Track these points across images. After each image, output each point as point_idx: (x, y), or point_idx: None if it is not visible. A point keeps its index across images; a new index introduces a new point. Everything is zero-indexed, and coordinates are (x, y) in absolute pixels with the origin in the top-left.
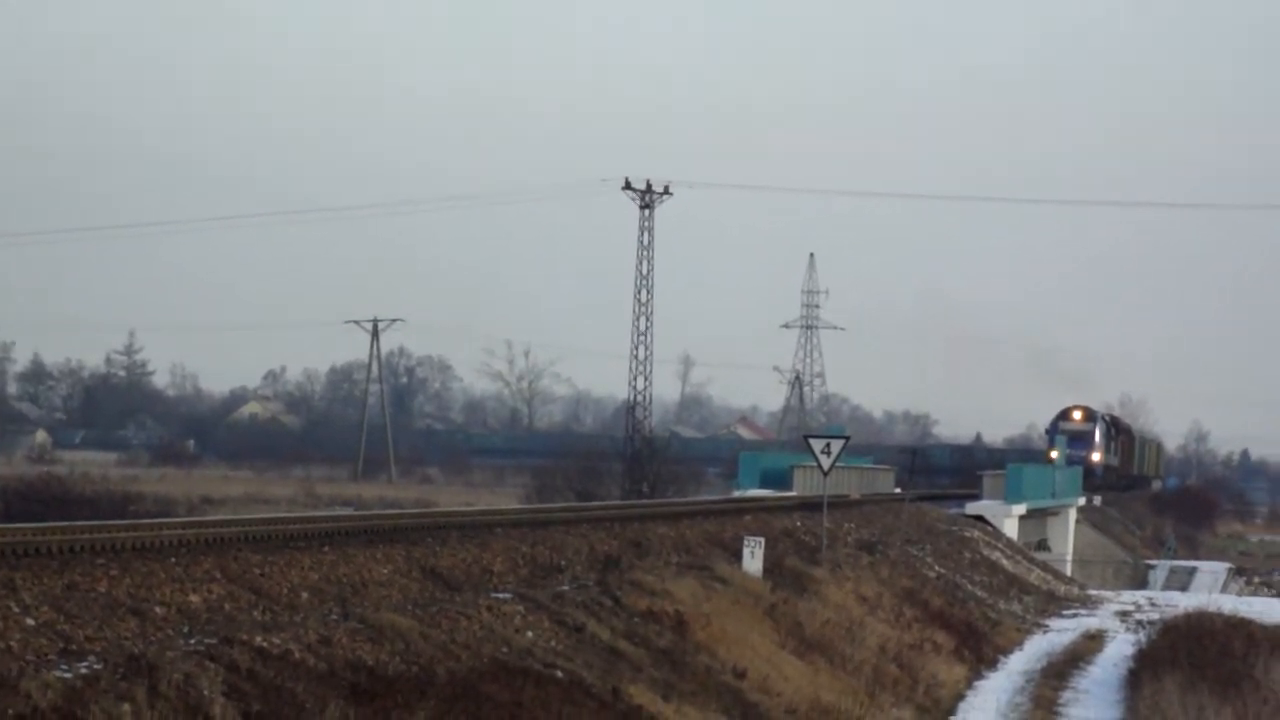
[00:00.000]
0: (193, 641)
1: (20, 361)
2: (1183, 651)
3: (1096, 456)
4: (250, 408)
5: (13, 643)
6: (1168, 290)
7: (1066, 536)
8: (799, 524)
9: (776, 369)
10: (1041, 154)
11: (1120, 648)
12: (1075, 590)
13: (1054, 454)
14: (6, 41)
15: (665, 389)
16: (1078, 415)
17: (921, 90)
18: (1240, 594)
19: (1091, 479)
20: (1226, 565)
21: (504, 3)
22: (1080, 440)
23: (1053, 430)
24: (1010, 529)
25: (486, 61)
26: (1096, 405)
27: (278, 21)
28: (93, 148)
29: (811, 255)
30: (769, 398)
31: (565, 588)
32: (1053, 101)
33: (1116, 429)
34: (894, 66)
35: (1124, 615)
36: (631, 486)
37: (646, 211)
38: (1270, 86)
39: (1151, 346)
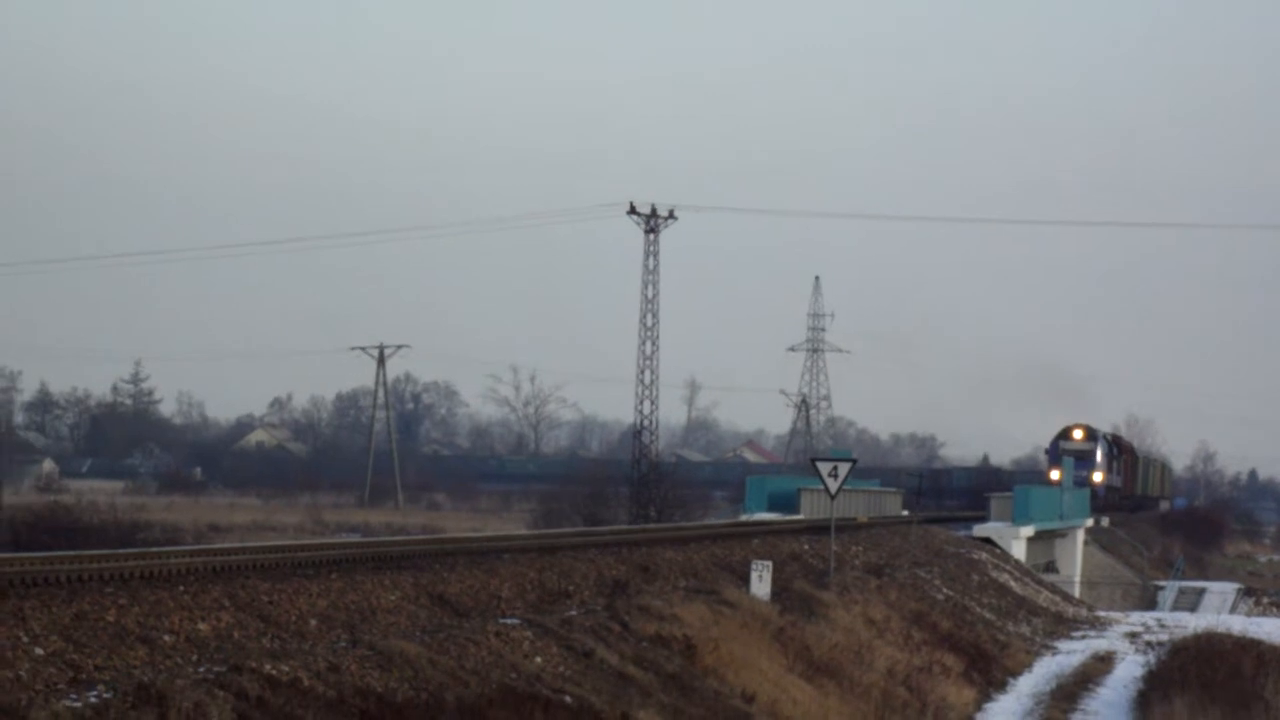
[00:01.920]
0: (202, 669)
1: (27, 391)
2: (1192, 673)
3: (1098, 476)
4: (257, 435)
5: (22, 672)
6: (1175, 311)
7: (1074, 558)
8: (806, 547)
9: (783, 392)
10: (1048, 175)
11: (1129, 669)
12: (1084, 612)
13: (1055, 474)
14: (14, 74)
15: (671, 413)
16: (1078, 434)
17: (927, 112)
18: (1249, 614)
19: (1093, 500)
20: (1235, 586)
21: (509, 26)
22: (1081, 460)
23: (1053, 450)
24: (1018, 551)
25: (494, 86)
26: (1103, 426)
27: (281, 49)
28: (99, 178)
29: (817, 278)
30: (775, 421)
31: (573, 613)
32: (1059, 122)
33: (1119, 448)
34: (898, 89)
35: (1133, 636)
36: (638, 511)
37: (651, 236)
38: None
39: (1158, 367)
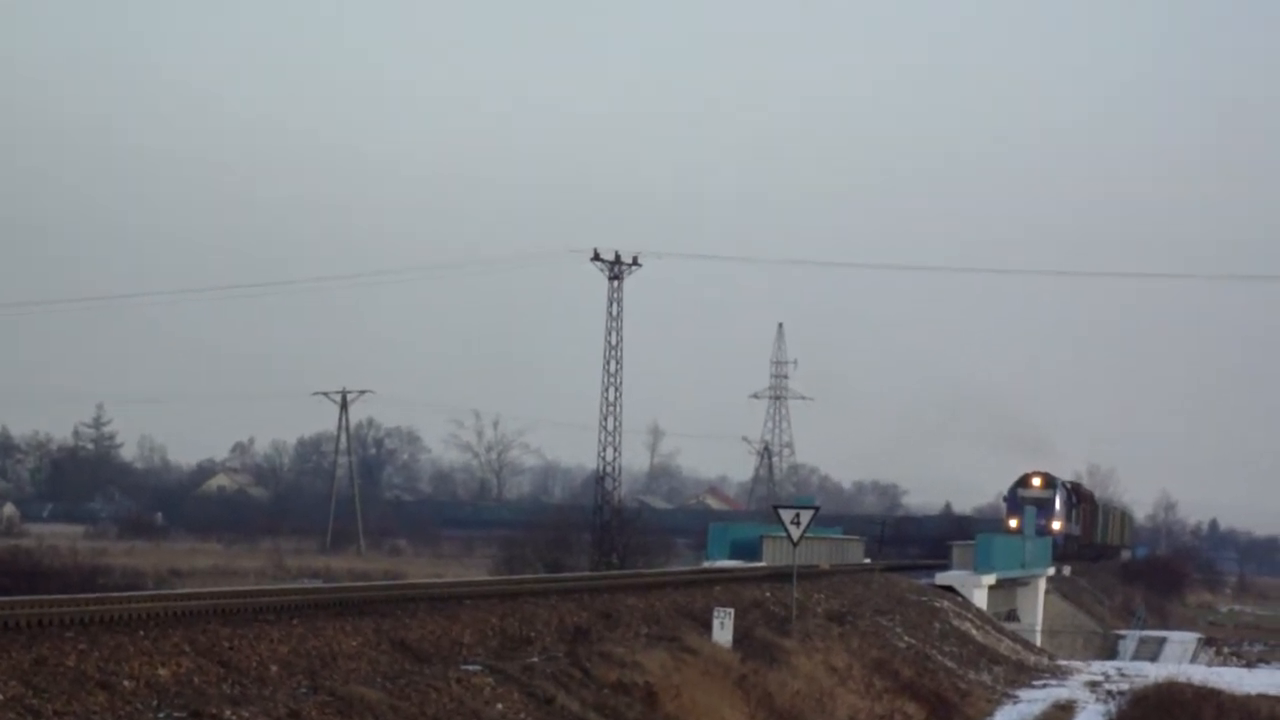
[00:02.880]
0: (161, 715)
1: None
2: None
3: (1057, 525)
4: (218, 480)
5: None
6: (1136, 361)
7: (1036, 606)
8: (769, 594)
9: (745, 439)
10: (1007, 225)
11: (1090, 718)
12: (1045, 660)
13: (1013, 522)
14: None
15: (634, 459)
16: (1037, 482)
17: (889, 161)
18: (1210, 664)
19: (1053, 548)
20: (1196, 635)
21: (473, 73)
22: (1040, 508)
23: (1011, 498)
24: (980, 599)
25: (454, 131)
26: (1065, 475)
27: (243, 90)
28: (59, 219)
29: (780, 325)
30: (738, 468)
31: (535, 659)
32: (1015, 173)
33: (1078, 496)
34: (860, 140)
35: (1094, 685)
36: (601, 557)
37: (615, 282)
38: (1238, 160)
39: (1119, 417)
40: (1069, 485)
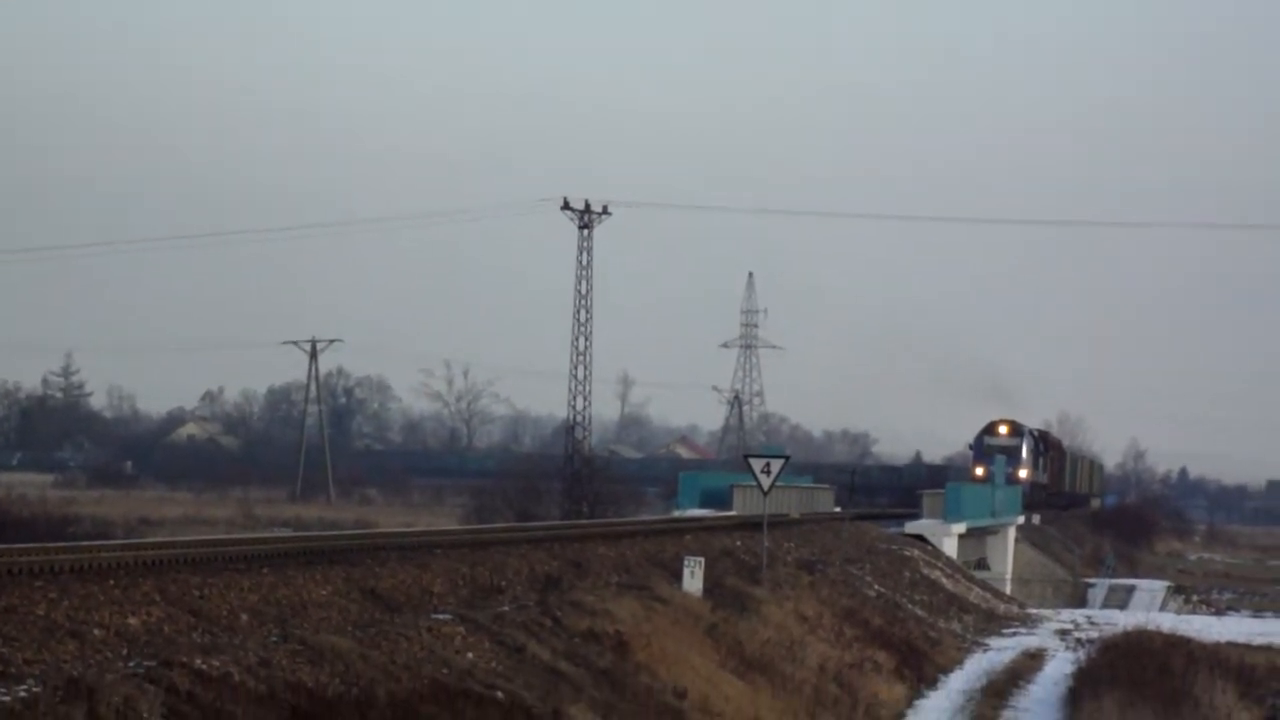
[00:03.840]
0: (132, 664)
1: None
2: (1122, 670)
3: (1024, 473)
4: (188, 429)
5: None
6: (1106, 309)
7: (1006, 555)
8: (739, 543)
9: (716, 388)
10: (977, 172)
11: (1060, 666)
12: (1015, 609)
13: (979, 470)
14: None
15: (604, 409)
16: (1003, 430)
17: (855, 108)
18: (1179, 612)
19: (1022, 497)
20: (1165, 583)
21: (444, 23)
22: (1007, 456)
23: (977, 446)
24: (950, 548)
25: (425, 81)
26: (1035, 423)
27: (209, 45)
28: (28, 171)
29: (750, 274)
30: (708, 417)
31: (505, 608)
32: (981, 120)
33: (1045, 444)
34: (830, 86)
35: (1063, 634)
36: (571, 506)
37: (585, 231)
38: (1204, 109)
39: (1089, 365)
40: (1036, 433)
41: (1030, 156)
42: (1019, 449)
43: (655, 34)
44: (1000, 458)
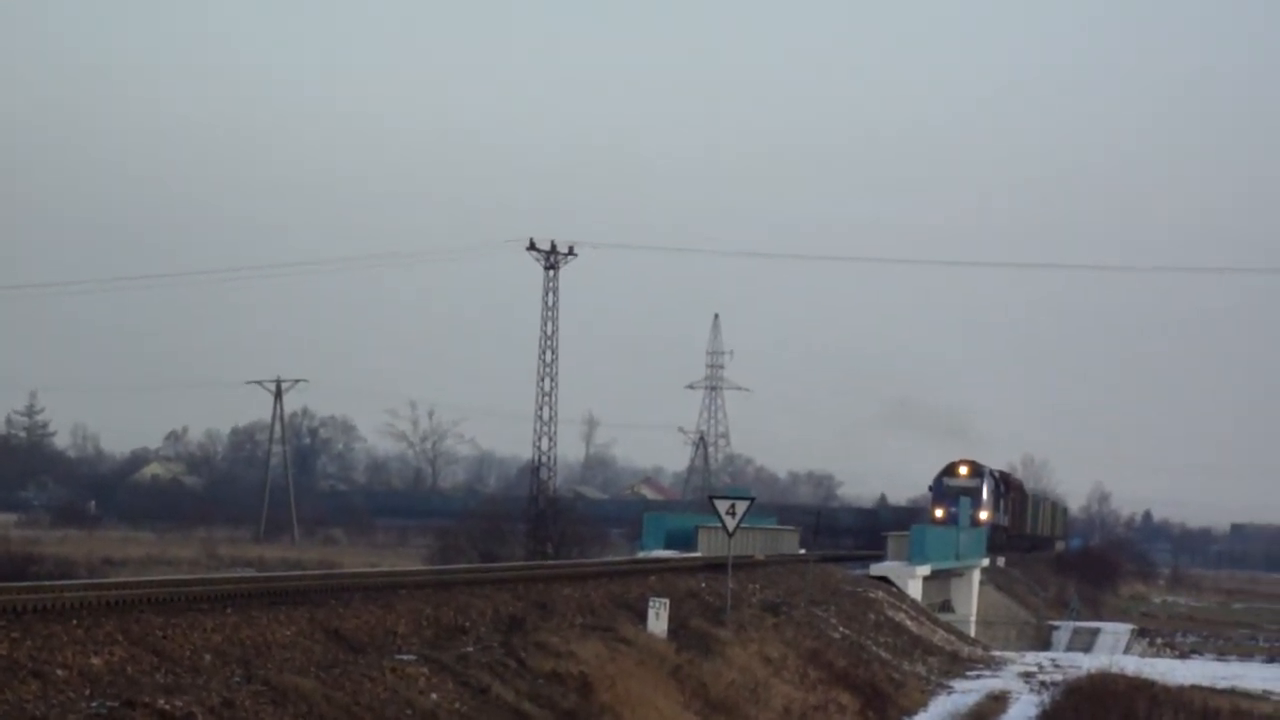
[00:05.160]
0: (95, 704)
1: None
2: (1086, 713)
3: (984, 515)
4: (152, 468)
5: None
6: (1068, 353)
7: (970, 597)
8: (704, 585)
9: (681, 429)
10: (943, 217)
11: (1024, 709)
12: (979, 651)
13: (938, 512)
14: None
15: (569, 449)
16: (963, 470)
17: (823, 150)
18: (1143, 655)
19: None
20: (1129, 626)
21: (410, 60)
22: (966, 497)
23: (937, 487)
24: (914, 590)
25: (392, 121)
26: (999, 465)
27: (179, 83)
28: None
29: (716, 316)
30: (673, 458)
31: (470, 649)
32: (947, 165)
33: (1007, 486)
34: (797, 127)
35: (1027, 676)
36: (536, 547)
37: (551, 272)
38: (1171, 154)
39: (1053, 409)
40: (997, 474)
41: (996, 201)
42: (979, 490)
43: (623, 73)
44: (966, 499)
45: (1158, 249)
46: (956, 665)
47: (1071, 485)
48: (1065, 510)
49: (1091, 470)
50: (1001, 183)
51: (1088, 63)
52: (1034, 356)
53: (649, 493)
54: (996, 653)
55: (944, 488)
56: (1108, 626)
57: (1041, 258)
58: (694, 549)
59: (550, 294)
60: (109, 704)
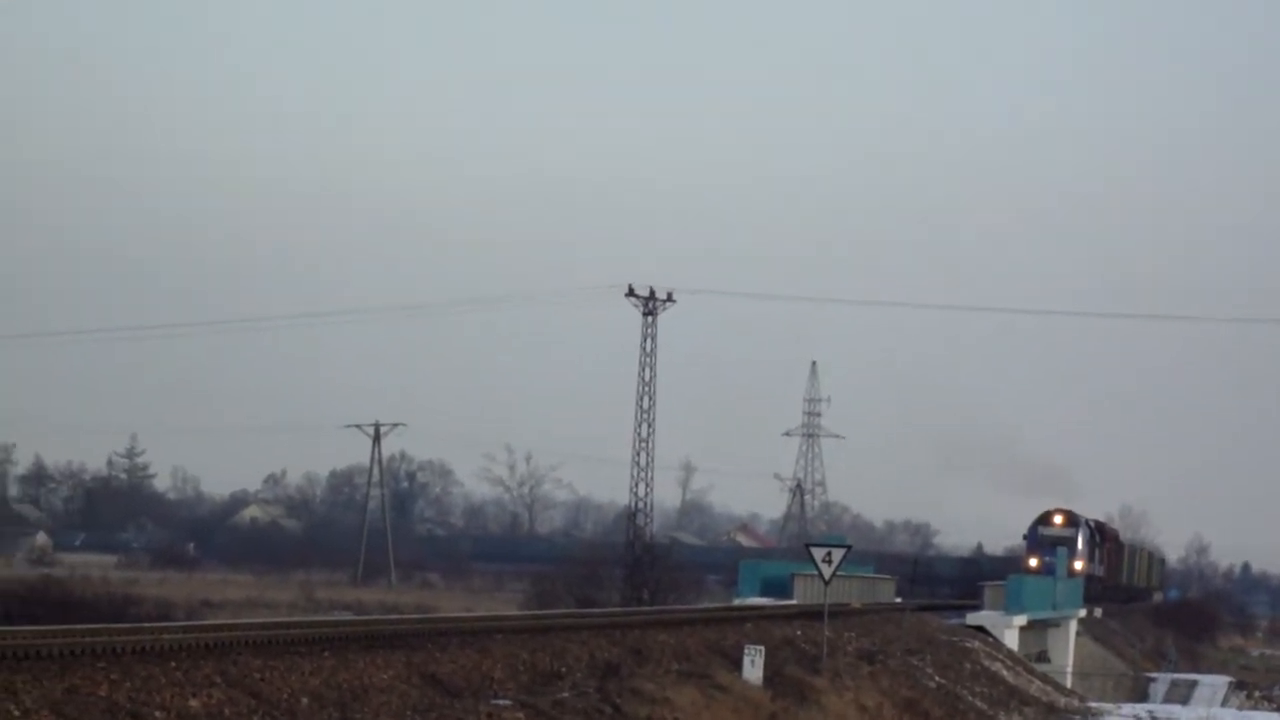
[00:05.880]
0: None
1: (22, 464)
2: None
3: (1079, 564)
4: (251, 511)
5: None
6: (1168, 403)
7: (1067, 648)
8: (799, 632)
9: (777, 476)
10: (1042, 267)
11: None
12: (1075, 702)
13: (1032, 561)
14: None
15: (666, 495)
16: (1058, 520)
17: (924, 200)
18: (1241, 708)
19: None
20: (1227, 679)
21: (509, 109)
22: (1062, 546)
23: (1032, 536)
24: (1011, 640)
25: (493, 164)
26: (1096, 515)
27: (283, 137)
28: (94, 252)
29: (814, 363)
30: (769, 505)
31: (565, 694)
32: (1051, 215)
33: (1102, 535)
34: (899, 176)
35: None
36: (632, 593)
37: (649, 318)
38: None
39: (1152, 459)
40: (1092, 524)
41: (1093, 247)
42: (1074, 539)
43: (718, 120)
44: (1063, 550)
45: (1258, 299)
46: (1052, 716)
47: (1170, 536)
48: (1163, 561)
49: (1190, 521)
50: (1102, 231)
51: (1194, 130)
52: (1133, 406)
53: (745, 540)
54: (1093, 704)
55: (1039, 537)
56: (1205, 679)
57: (1142, 308)
58: (790, 596)
59: (648, 339)
60: None
